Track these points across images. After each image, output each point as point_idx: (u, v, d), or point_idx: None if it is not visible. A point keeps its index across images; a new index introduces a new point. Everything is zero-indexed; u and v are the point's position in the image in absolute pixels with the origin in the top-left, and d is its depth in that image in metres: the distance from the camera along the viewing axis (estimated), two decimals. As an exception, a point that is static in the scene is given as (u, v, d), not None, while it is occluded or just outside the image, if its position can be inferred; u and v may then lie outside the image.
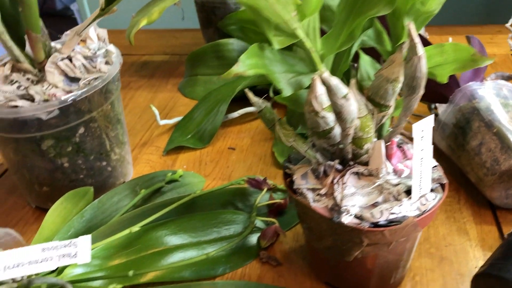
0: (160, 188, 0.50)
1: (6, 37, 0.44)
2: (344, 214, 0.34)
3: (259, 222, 0.45)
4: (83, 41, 0.50)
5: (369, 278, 0.38)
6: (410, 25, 0.30)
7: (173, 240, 0.43)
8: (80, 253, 0.33)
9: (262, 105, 0.36)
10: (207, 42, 0.76)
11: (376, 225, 0.34)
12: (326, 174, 0.36)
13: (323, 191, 0.35)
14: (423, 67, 0.31)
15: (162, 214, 0.43)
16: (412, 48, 0.31)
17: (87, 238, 0.34)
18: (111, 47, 0.50)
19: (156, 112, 0.59)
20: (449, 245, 0.44)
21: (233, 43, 0.71)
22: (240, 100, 0.66)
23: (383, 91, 0.34)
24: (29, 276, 0.37)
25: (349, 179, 0.35)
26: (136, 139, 0.62)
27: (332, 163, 0.36)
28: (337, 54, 0.36)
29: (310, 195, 0.35)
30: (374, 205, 0.34)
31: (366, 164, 0.37)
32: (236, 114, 0.64)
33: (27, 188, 0.49)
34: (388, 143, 0.37)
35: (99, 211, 0.46)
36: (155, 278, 0.41)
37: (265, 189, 0.47)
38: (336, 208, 0.34)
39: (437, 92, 0.51)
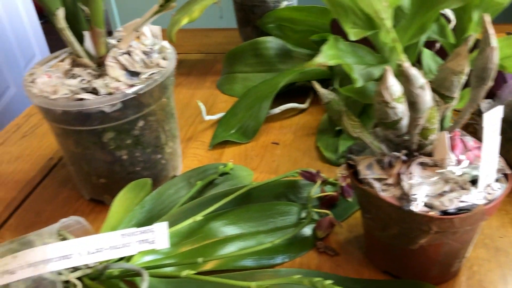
0: (213, 180, 0.51)
1: (69, 33, 0.46)
2: (413, 202, 0.34)
3: (313, 213, 0.46)
4: (137, 37, 0.51)
5: (431, 266, 0.39)
6: (485, 17, 0.30)
7: (233, 229, 0.44)
8: (158, 239, 0.34)
9: (329, 97, 0.37)
10: (244, 40, 0.78)
11: (445, 213, 0.34)
12: (391, 165, 0.37)
13: (390, 181, 0.36)
14: (495, 58, 0.32)
15: (221, 204, 0.44)
16: (486, 39, 0.31)
17: (164, 225, 0.35)
18: (165, 43, 0.51)
19: (203, 107, 0.60)
20: (503, 236, 0.44)
21: (271, 41, 0.72)
22: (280, 97, 0.67)
23: (448, 83, 0.35)
24: (101, 263, 0.38)
25: (415, 169, 0.36)
26: (181, 134, 0.63)
27: (398, 154, 0.37)
28: (404, 47, 0.37)
29: (377, 185, 0.36)
30: (441, 194, 0.35)
31: (429, 155, 0.37)
32: (277, 110, 0.65)
33: (84, 180, 0.51)
34: (451, 134, 0.38)
35: (158, 202, 0.47)
36: (218, 266, 0.42)
37: (319, 182, 0.48)
38: (405, 197, 0.35)
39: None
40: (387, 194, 0.36)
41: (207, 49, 0.88)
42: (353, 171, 0.39)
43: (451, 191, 0.35)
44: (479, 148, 0.38)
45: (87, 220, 0.51)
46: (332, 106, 0.37)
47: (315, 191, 0.48)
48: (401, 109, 0.34)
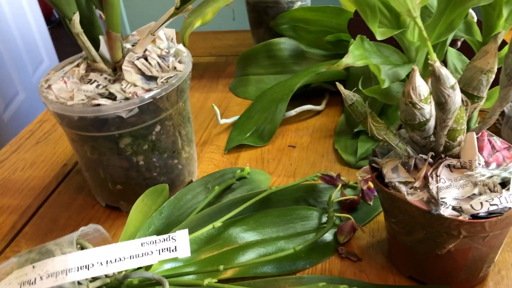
0: (231, 185, 0.50)
1: (84, 38, 0.45)
2: (442, 206, 0.33)
3: (334, 218, 0.45)
4: (152, 41, 0.51)
5: (458, 271, 0.38)
6: None
7: (253, 235, 0.43)
8: (179, 247, 0.34)
9: (353, 98, 0.36)
10: (257, 42, 0.77)
11: (475, 217, 0.33)
12: (417, 168, 0.36)
13: (417, 184, 0.35)
14: (528, 57, 0.31)
15: (241, 209, 0.43)
16: None
17: (185, 232, 0.34)
18: (181, 47, 0.50)
19: (217, 110, 0.60)
20: (532, 239, 0.43)
21: (284, 42, 0.71)
22: (295, 99, 0.66)
23: (476, 82, 0.34)
24: (119, 272, 0.37)
25: (443, 171, 0.35)
26: (196, 138, 0.62)
27: (424, 156, 0.36)
28: (432, 46, 0.36)
29: (403, 188, 0.35)
30: (470, 197, 0.34)
31: (457, 156, 0.36)
32: (293, 112, 0.64)
33: (99, 186, 0.50)
34: (478, 135, 0.36)
35: (176, 208, 0.46)
36: (238, 273, 0.41)
37: (340, 185, 0.47)
38: (433, 201, 0.34)
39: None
40: (414, 198, 0.35)
41: (218, 51, 0.87)
42: (377, 174, 0.38)
43: (480, 194, 0.34)
44: (507, 148, 0.37)
45: (104, 226, 0.50)
46: (357, 107, 0.36)
47: (336, 195, 0.47)
48: (428, 110, 0.33)
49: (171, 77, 0.46)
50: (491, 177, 0.35)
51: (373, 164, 0.38)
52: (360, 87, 0.53)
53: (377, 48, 0.35)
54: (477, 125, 0.38)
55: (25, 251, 0.36)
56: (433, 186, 0.34)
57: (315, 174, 0.48)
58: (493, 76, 0.33)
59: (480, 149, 0.36)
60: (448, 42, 0.36)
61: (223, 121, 0.62)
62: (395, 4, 0.27)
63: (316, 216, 0.46)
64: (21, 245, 0.48)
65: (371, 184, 0.48)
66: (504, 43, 0.40)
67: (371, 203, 0.48)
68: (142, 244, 0.34)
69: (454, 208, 0.34)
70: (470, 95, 0.35)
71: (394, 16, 0.32)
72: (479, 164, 0.35)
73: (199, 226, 0.43)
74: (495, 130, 0.56)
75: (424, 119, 0.33)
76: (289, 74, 0.70)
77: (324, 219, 0.46)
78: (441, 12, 0.32)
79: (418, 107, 0.32)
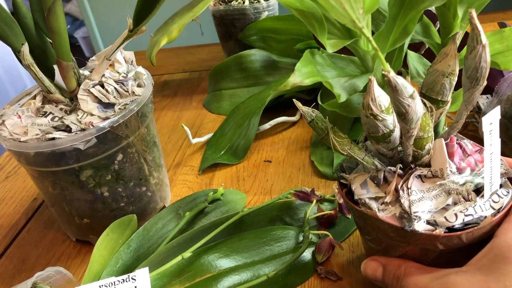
0: (204, 209, 0.48)
1: (36, 69, 0.43)
2: (416, 221, 0.31)
3: (311, 236, 0.43)
4: (111, 65, 0.49)
5: (440, 285, 0.36)
6: (472, 13, 0.28)
7: (226, 262, 0.41)
8: (140, 287, 0.32)
9: (312, 114, 0.34)
10: (228, 55, 0.75)
11: (450, 229, 0.31)
12: (386, 181, 0.34)
13: (388, 199, 0.33)
14: (488, 56, 0.29)
15: (212, 236, 0.41)
16: (475, 36, 0.29)
17: (145, 270, 0.32)
18: (141, 69, 0.48)
19: (188, 131, 0.58)
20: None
21: (255, 54, 0.70)
22: (270, 111, 0.65)
23: (439, 86, 0.32)
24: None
25: (414, 183, 0.33)
26: (169, 160, 0.60)
27: (393, 168, 0.34)
28: (388, 53, 0.34)
29: (374, 205, 0.33)
30: (445, 208, 0.32)
31: (427, 165, 0.34)
32: (267, 125, 0.62)
33: (67, 221, 0.48)
34: (447, 141, 0.35)
35: (145, 239, 0.44)
36: (213, 305, 0.39)
37: (315, 201, 0.45)
38: (406, 216, 0.32)
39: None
40: (386, 214, 0.33)
41: (192, 67, 0.86)
42: (347, 190, 0.36)
43: (455, 203, 0.32)
44: (479, 151, 0.36)
45: (74, 262, 0.48)
46: (317, 124, 0.34)
47: (312, 210, 0.45)
48: (391, 120, 0.31)
49: (130, 102, 0.44)
50: (464, 184, 0.33)
51: (341, 180, 0.37)
52: (319, 101, 0.51)
53: (331, 60, 0.33)
54: (445, 129, 0.36)
55: (-23, 304, 0.34)
56: (404, 200, 0.32)
57: (289, 191, 0.46)
58: (455, 79, 0.32)
59: (451, 155, 0.35)
60: (406, 46, 0.34)
61: (195, 140, 0.60)
62: (338, 17, 0.25)
63: (293, 236, 0.44)
64: (-12, 289, 0.46)
65: (347, 197, 0.46)
66: (463, 43, 0.38)
67: (350, 217, 0.46)
68: (100, 286, 0.32)
69: (428, 222, 0.32)
70: (434, 100, 0.33)
71: (344, 25, 0.30)
72: (451, 171, 0.34)
73: (169, 257, 0.41)
74: (474, 128, 0.54)
75: (388, 130, 0.31)
76: (263, 86, 0.68)
77: (302, 237, 0.44)
78: (394, 17, 0.31)
79: (380, 118, 0.30)
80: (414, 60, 0.37)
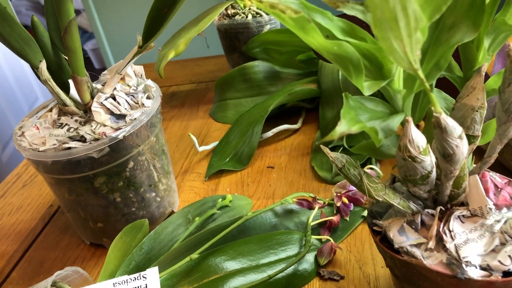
0: (213, 214, 0.51)
1: (53, 83, 0.47)
2: (467, 267, 0.29)
3: (313, 240, 0.46)
4: (122, 79, 0.52)
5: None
6: (510, 46, 0.27)
7: (232, 264, 0.44)
8: (150, 285, 0.34)
9: (342, 160, 0.32)
10: (232, 67, 0.78)
11: (506, 273, 0.29)
12: (424, 224, 0.32)
13: (431, 245, 0.31)
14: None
15: (217, 239, 0.44)
16: None
17: (155, 270, 0.35)
18: (150, 82, 0.52)
19: (195, 139, 0.61)
20: None
21: (258, 65, 0.73)
22: (273, 119, 0.68)
23: (469, 121, 0.31)
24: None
25: (454, 225, 0.31)
26: (177, 167, 0.63)
27: (431, 211, 0.32)
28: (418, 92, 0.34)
29: (418, 252, 0.30)
30: (494, 250, 0.30)
31: (462, 204, 0.33)
32: (270, 133, 0.65)
33: (82, 225, 0.51)
34: (480, 177, 0.33)
35: (156, 242, 0.47)
36: (219, 303, 0.41)
37: (317, 208, 0.47)
38: (455, 262, 0.30)
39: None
40: (432, 262, 0.30)
41: (199, 78, 0.89)
42: (381, 237, 0.33)
43: (502, 244, 0.30)
44: (508, 183, 0.34)
45: (89, 265, 0.51)
46: (349, 170, 0.31)
47: (314, 217, 0.48)
48: (428, 161, 0.29)
49: (140, 113, 0.47)
50: (506, 221, 0.31)
51: (374, 228, 0.34)
52: (345, 145, 0.53)
53: (361, 102, 0.32)
54: (473, 165, 0.35)
55: (3, 300, 0.37)
56: (450, 245, 0.30)
57: (291, 196, 0.49)
58: (485, 112, 0.31)
59: (486, 192, 0.33)
60: (434, 84, 0.35)
61: (202, 148, 0.63)
62: (396, 59, 0.25)
63: (296, 240, 0.46)
64: (9, 291, 0.49)
65: (345, 200, 0.48)
66: (486, 75, 0.39)
67: (347, 219, 0.48)
68: (114, 284, 0.35)
69: (481, 267, 0.29)
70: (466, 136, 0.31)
71: (376, 66, 0.31)
72: (490, 209, 0.32)
73: (178, 258, 0.43)
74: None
75: (426, 172, 0.30)
76: (266, 96, 0.71)
77: (305, 242, 0.46)
78: (423, 53, 0.31)
79: (419, 160, 0.29)
80: (437, 96, 0.38)
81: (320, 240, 0.47)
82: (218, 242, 0.45)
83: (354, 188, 0.49)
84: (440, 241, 0.30)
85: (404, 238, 0.31)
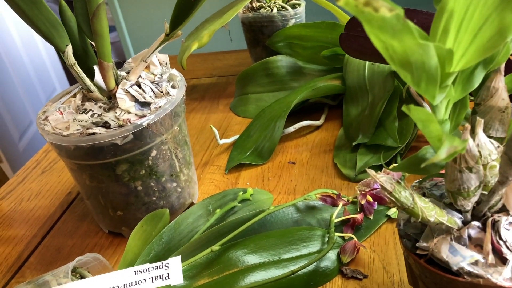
0: (233, 207, 0.50)
1: (78, 68, 0.46)
2: None
3: (336, 238, 0.45)
4: (147, 67, 0.51)
5: None
6: None
7: (254, 258, 0.43)
8: (172, 274, 0.34)
9: (393, 183, 0.28)
10: (255, 61, 0.77)
11: None
12: (470, 239, 0.30)
13: (491, 260, 0.28)
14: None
15: (238, 232, 0.43)
16: None
17: (177, 259, 0.34)
18: (174, 71, 0.51)
19: (216, 131, 0.60)
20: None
21: (281, 60, 0.72)
22: (295, 115, 0.67)
23: (498, 123, 0.30)
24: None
25: (506, 234, 0.29)
26: (197, 159, 0.63)
27: (477, 223, 0.30)
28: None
29: (482, 271, 0.28)
30: None
31: (501, 211, 0.30)
32: (292, 128, 0.64)
33: (101, 213, 0.51)
34: None
35: (176, 232, 0.46)
36: (239, 296, 0.40)
37: (341, 204, 0.46)
38: None
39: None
40: (502, 280, 0.27)
41: (219, 72, 0.88)
42: (426, 260, 0.30)
43: None
44: None
45: (106, 253, 0.51)
46: (400, 193, 0.28)
47: (337, 214, 0.47)
48: (482, 172, 0.28)
49: (165, 102, 0.46)
50: None
51: (418, 252, 0.31)
52: (382, 162, 0.50)
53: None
54: None
55: (23, 283, 0.36)
56: (510, 256, 0.28)
57: (314, 192, 0.48)
58: (510, 111, 0.30)
59: None
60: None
61: (222, 141, 0.62)
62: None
63: (319, 236, 0.45)
64: (26, 275, 0.49)
65: (370, 198, 0.47)
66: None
67: (371, 217, 0.47)
68: (135, 272, 0.34)
69: None
70: (493, 139, 0.30)
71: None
72: None
73: (199, 250, 0.43)
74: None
75: (479, 182, 0.28)
76: (288, 91, 0.70)
77: (327, 238, 0.45)
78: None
79: (475, 170, 0.27)
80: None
81: (343, 238, 0.46)
82: (239, 235, 0.44)
83: (379, 186, 0.48)
84: (495, 254, 0.28)
85: (460, 258, 0.28)
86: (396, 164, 0.51)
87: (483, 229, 0.29)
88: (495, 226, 0.29)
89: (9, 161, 1.69)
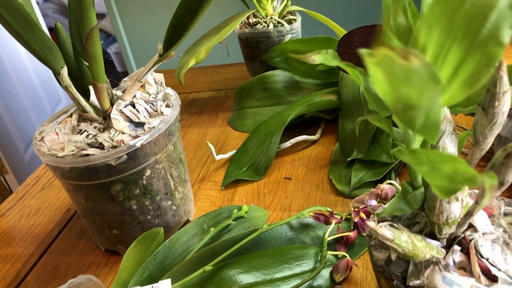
0: (228, 225, 0.50)
1: (74, 90, 0.47)
2: None
3: (329, 256, 0.45)
4: (142, 86, 0.52)
5: None
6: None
7: (247, 278, 0.43)
8: (163, 295, 0.34)
9: (392, 230, 0.27)
10: (252, 76, 0.78)
11: None
12: (454, 263, 0.29)
13: (484, 281, 0.28)
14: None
15: (231, 251, 0.44)
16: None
17: (168, 282, 0.35)
18: (169, 90, 0.52)
19: (212, 148, 0.61)
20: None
21: (278, 75, 0.72)
22: (291, 129, 0.67)
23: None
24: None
25: (484, 249, 0.29)
26: (194, 175, 0.63)
27: (458, 247, 0.30)
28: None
29: None
30: None
31: (467, 228, 0.31)
32: (288, 143, 0.64)
33: (97, 232, 0.51)
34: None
35: (170, 252, 0.46)
36: (231, 316, 0.41)
37: (333, 223, 0.47)
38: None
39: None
40: None
41: (218, 85, 0.89)
42: None
43: None
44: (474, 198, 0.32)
45: (103, 271, 0.51)
46: (400, 241, 0.27)
47: (331, 232, 0.47)
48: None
49: (159, 122, 0.47)
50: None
51: None
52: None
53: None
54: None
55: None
56: (499, 273, 0.28)
57: (308, 210, 0.48)
58: None
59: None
60: None
61: (219, 157, 0.63)
62: None
63: (312, 255, 0.45)
64: (24, 294, 0.50)
65: (363, 215, 0.47)
66: None
67: (365, 234, 0.47)
68: (127, 294, 0.34)
69: None
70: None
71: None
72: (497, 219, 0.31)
73: (192, 269, 0.43)
74: (490, 149, 0.55)
75: (461, 208, 0.29)
76: (285, 105, 0.71)
77: (320, 257, 0.46)
78: None
79: (459, 198, 0.28)
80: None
81: (336, 256, 0.46)
82: (232, 255, 0.44)
83: (372, 204, 0.48)
84: (487, 272, 0.28)
85: (460, 283, 0.28)
86: (390, 181, 0.51)
87: (461, 250, 0.29)
88: (471, 245, 0.29)
89: (14, 172, 1.71)
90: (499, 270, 0.28)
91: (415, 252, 0.27)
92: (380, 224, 0.27)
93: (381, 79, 0.19)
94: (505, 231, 0.30)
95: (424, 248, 0.28)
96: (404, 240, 0.27)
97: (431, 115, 0.22)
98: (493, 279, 0.28)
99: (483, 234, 0.30)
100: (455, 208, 0.28)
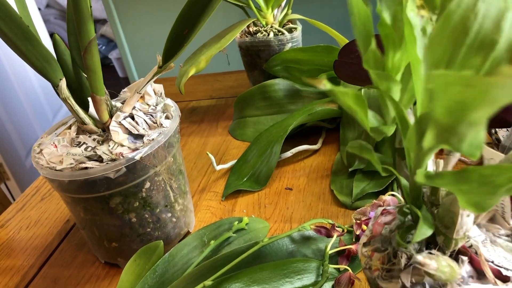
0: (228, 237, 0.50)
1: (72, 102, 0.46)
2: None
3: (331, 269, 0.44)
4: (141, 97, 0.52)
5: None
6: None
7: (246, 291, 0.43)
8: (162, 313, 0.34)
9: (432, 257, 0.26)
10: (253, 84, 0.78)
11: None
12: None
13: (500, 284, 0.28)
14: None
15: (230, 267, 0.43)
16: None
17: (168, 297, 0.34)
18: (169, 101, 0.51)
19: (213, 158, 0.60)
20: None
21: (279, 83, 0.72)
22: (292, 139, 0.67)
23: None
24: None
25: (489, 254, 0.29)
26: (195, 185, 0.63)
27: (464, 257, 0.29)
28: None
29: None
30: None
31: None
32: (289, 153, 0.64)
33: (96, 244, 0.51)
34: None
35: (170, 265, 0.46)
36: (232, 331, 0.40)
37: (335, 236, 0.46)
38: None
39: (498, 117, 0.50)
40: None
41: (219, 93, 0.89)
42: None
43: None
44: None
45: (102, 284, 0.51)
46: (441, 264, 0.27)
47: (333, 244, 0.46)
48: None
49: (158, 134, 0.46)
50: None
51: None
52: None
53: None
54: None
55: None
56: (509, 271, 0.28)
57: (309, 222, 0.47)
58: None
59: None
60: None
61: (219, 167, 0.62)
62: None
63: (313, 268, 0.45)
64: (22, 308, 0.49)
65: (365, 227, 0.47)
66: None
67: (362, 267, 0.47)
68: (125, 312, 0.34)
69: None
70: None
71: None
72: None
73: (191, 284, 0.43)
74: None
75: None
76: (286, 114, 0.70)
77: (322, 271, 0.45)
78: None
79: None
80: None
81: (338, 269, 0.45)
82: (233, 268, 0.44)
83: (373, 215, 0.48)
84: (500, 276, 0.28)
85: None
86: (392, 192, 0.51)
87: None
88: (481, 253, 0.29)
89: (16, 179, 1.71)
90: (507, 269, 0.28)
91: (452, 274, 0.27)
92: (422, 254, 0.26)
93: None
94: (487, 230, 0.30)
95: (457, 267, 0.27)
96: (445, 265, 0.26)
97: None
98: (504, 279, 0.28)
99: (474, 238, 0.29)
100: (469, 222, 0.27)
